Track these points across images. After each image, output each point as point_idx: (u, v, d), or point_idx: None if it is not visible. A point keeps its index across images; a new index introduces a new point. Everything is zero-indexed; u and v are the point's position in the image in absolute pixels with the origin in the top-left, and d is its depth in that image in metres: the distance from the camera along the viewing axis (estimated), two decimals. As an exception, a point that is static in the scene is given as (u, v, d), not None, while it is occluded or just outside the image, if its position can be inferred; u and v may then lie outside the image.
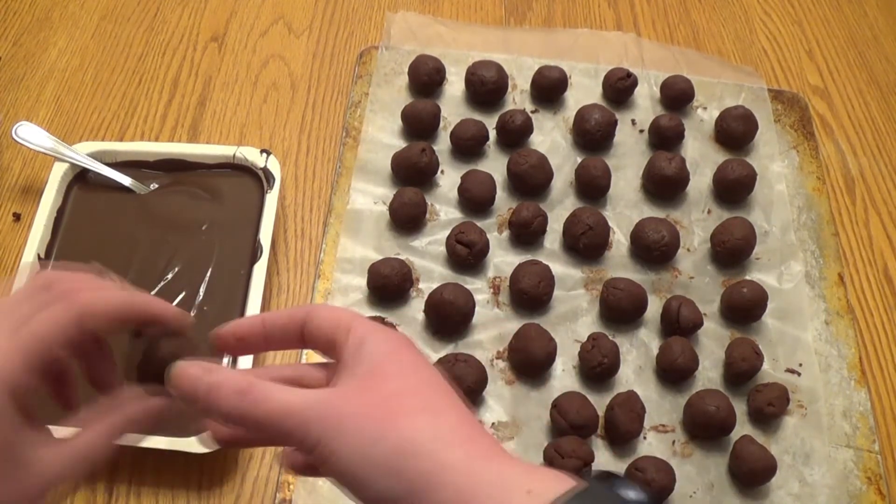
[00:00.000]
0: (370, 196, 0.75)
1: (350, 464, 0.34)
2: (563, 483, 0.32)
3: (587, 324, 0.69)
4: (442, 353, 0.65)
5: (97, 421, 0.39)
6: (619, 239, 0.74)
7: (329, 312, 0.38)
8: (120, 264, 0.67)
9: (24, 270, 0.64)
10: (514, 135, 0.78)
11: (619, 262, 0.73)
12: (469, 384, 0.62)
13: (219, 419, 0.36)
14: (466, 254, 0.69)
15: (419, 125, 0.78)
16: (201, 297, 0.66)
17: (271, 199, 0.69)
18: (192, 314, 0.65)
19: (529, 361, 0.65)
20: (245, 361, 0.60)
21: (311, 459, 0.35)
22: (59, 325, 0.37)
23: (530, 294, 0.68)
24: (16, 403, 0.36)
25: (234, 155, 0.72)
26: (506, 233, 0.74)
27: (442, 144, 0.78)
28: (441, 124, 0.79)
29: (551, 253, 0.73)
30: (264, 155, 0.72)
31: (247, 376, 0.36)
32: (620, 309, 0.68)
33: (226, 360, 0.57)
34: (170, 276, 0.67)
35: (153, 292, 0.66)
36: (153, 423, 0.40)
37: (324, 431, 0.34)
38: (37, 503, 0.38)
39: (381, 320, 0.65)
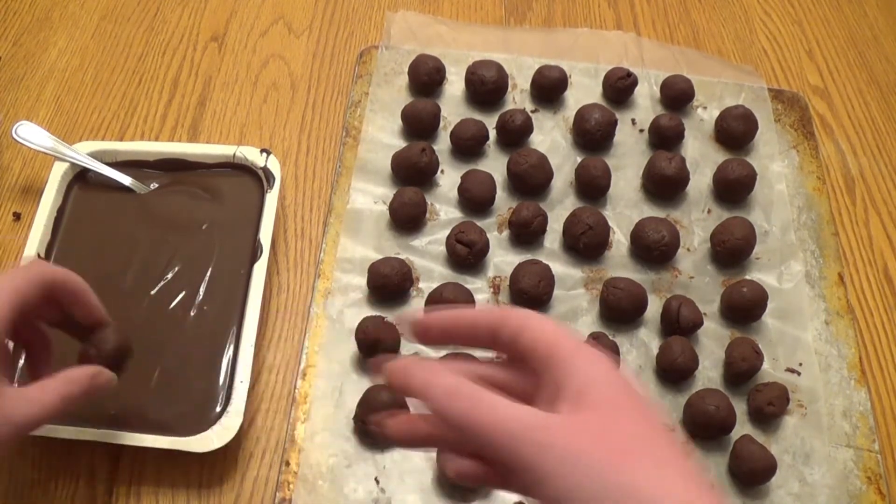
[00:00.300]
0: (370, 196, 0.75)
1: (565, 498, 0.33)
2: None
3: (587, 323, 0.69)
4: (442, 353, 0.65)
5: (49, 380, 0.47)
6: (619, 239, 0.74)
7: (549, 327, 0.37)
8: (120, 264, 0.67)
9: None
10: (514, 134, 0.78)
11: (619, 262, 0.73)
12: (469, 384, 0.62)
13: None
14: (466, 253, 0.69)
15: (419, 125, 0.78)
16: (201, 297, 0.66)
17: (271, 199, 0.69)
18: (192, 314, 0.65)
19: (529, 361, 0.65)
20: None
21: (505, 477, 0.35)
22: (30, 280, 0.47)
23: (530, 294, 0.68)
24: None
25: (233, 154, 0.72)
26: (506, 232, 0.74)
27: (442, 144, 0.78)
28: (441, 124, 0.79)
29: (551, 253, 0.73)
30: (264, 154, 0.72)
31: (458, 377, 0.36)
32: (620, 309, 0.68)
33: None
34: (170, 275, 0.67)
35: (153, 292, 0.66)
36: (93, 386, 0.49)
37: (541, 458, 0.33)
38: (7, 445, 0.44)
39: (382, 320, 0.65)
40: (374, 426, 0.40)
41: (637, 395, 0.36)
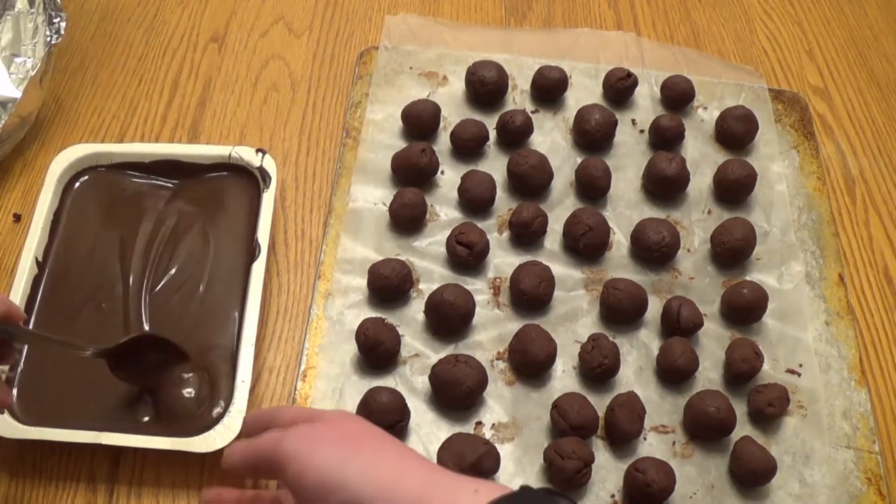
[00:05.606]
0: (370, 196, 0.74)
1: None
2: (506, 489, 0.40)
3: (587, 324, 0.69)
4: (442, 354, 0.65)
5: None
6: (620, 239, 0.74)
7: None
8: (118, 265, 0.67)
9: (24, 271, 0.64)
10: (515, 135, 0.78)
11: (619, 263, 0.73)
12: (469, 385, 0.62)
13: None
14: (467, 254, 0.69)
15: (419, 125, 0.78)
16: (201, 297, 0.66)
17: (268, 198, 0.69)
18: (193, 313, 0.65)
19: (530, 362, 0.65)
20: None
21: None
22: None
23: (530, 295, 0.68)
24: None
25: (229, 155, 0.72)
26: (506, 233, 0.74)
27: (442, 144, 0.78)
28: (441, 124, 0.79)
29: (551, 253, 0.73)
30: (260, 154, 0.72)
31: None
32: (621, 310, 0.68)
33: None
34: (169, 276, 0.67)
35: (153, 293, 0.66)
36: None
37: None
38: None
39: (382, 321, 0.65)
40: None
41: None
